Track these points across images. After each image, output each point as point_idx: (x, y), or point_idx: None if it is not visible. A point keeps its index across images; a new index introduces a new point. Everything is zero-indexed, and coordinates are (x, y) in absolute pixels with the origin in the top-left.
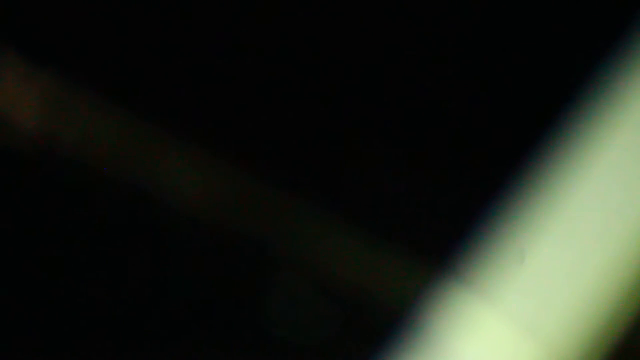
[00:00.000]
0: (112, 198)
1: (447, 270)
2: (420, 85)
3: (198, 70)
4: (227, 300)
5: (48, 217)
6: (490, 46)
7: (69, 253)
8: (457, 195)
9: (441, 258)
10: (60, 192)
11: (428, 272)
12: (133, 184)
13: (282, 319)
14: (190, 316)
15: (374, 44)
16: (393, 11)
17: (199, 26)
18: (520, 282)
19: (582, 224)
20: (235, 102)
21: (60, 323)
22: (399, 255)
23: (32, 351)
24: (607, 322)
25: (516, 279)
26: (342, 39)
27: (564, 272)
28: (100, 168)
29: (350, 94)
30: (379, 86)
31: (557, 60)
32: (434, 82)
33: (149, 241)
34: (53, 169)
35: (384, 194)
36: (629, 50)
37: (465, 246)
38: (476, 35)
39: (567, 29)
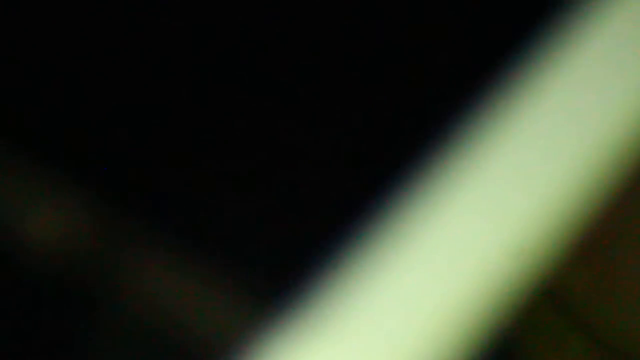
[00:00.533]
0: None
1: (281, 305)
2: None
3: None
4: (42, 338)
5: None
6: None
7: None
8: (298, 223)
9: (274, 292)
10: None
11: (258, 307)
12: None
13: (102, 354)
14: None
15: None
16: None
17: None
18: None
19: (456, 229)
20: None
21: None
22: (226, 288)
23: None
24: (476, 331)
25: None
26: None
27: (428, 281)
28: None
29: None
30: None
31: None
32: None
33: None
34: None
35: (216, 220)
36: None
37: (306, 275)
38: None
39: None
